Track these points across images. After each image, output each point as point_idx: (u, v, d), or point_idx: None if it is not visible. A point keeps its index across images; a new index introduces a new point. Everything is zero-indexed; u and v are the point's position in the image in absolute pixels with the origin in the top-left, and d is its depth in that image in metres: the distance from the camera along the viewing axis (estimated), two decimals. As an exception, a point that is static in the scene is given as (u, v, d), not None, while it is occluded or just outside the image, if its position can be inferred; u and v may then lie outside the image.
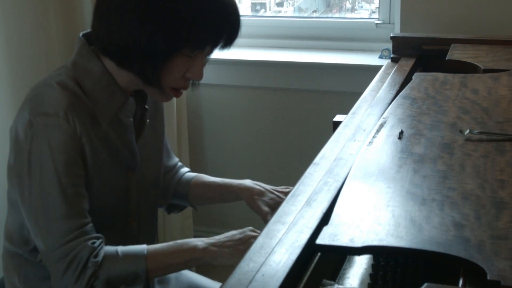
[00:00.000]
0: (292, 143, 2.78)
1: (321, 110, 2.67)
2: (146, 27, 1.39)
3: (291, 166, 2.79)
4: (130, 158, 1.55)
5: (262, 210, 1.66)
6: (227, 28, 1.45)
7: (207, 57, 1.51)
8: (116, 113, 1.50)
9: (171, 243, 1.49)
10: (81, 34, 1.53)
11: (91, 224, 1.44)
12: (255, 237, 1.41)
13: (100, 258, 1.40)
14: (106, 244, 1.46)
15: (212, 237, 1.49)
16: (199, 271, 1.88)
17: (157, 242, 1.65)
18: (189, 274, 1.81)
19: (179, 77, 1.47)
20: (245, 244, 1.46)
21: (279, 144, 2.81)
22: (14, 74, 2.50)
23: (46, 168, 1.39)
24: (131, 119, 1.54)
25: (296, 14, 3.17)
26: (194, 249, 1.46)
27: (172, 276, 1.75)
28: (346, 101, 2.57)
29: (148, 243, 1.51)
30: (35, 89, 1.48)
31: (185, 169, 1.84)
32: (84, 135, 1.43)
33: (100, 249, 1.42)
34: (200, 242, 1.47)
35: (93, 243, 1.42)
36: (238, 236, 1.49)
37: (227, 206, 2.98)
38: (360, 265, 1.17)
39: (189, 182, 1.79)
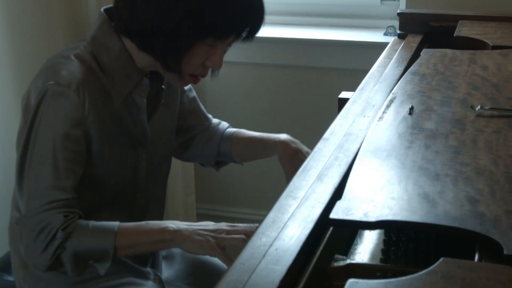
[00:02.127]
0: (297, 120, 2.77)
1: (326, 87, 2.66)
2: (172, 15, 1.38)
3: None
4: (141, 136, 1.55)
5: (288, 171, 1.66)
6: (252, 19, 1.46)
7: (228, 46, 1.50)
8: (130, 92, 1.49)
9: (143, 222, 1.48)
10: (102, 9, 1.52)
11: (74, 200, 1.43)
12: (229, 233, 1.43)
13: (69, 230, 1.40)
14: (112, 220, 1.46)
15: (186, 222, 1.47)
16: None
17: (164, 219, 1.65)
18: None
19: (199, 64, 1.47)
20: (219, 235, 1.43)
21: (284, 122, 2.80)
22: (18, 67, 2.49)
23: (45, 136, 1.39)
24: (145, 100, 1.53)
25: (300, -9, 3.15)
26: (164, 230, 1.43)
27: (178, 251, 1.75)
28: (351, 78, 2.56)
29: (154, 218, 1.50)
30: (52, 60, 1.47)
31: (225, 124, 1.84)
32: (92, 112, 1.42)
33: (72, 222, 1.41)
34: (172, 224, 1.45)
35: (66, 215, 1.41)
36: (212, 227, 1.45)
37: (230, 184, 2.98)
38: (371, 241, 1.16)
39: (230, 138, 1.79)
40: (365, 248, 1.15)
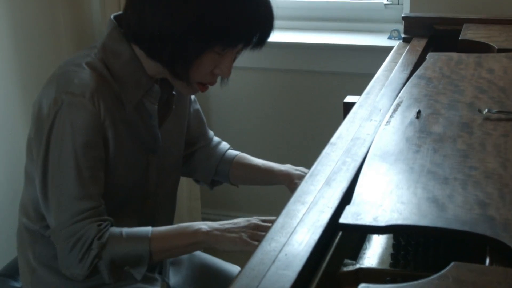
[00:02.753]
0: (302, 124, 2.77)
1: (330, 92, 2.66)
2: (180, 22, 1.38)
3: (302, 148, 2.78)
4: (152, 142, 1.55)
5: None
6: (261, 27, 1.45)
7: (237, 54, 1.50)
8: (141, 98, 1.49)
9: (175, 226, 1.50)
10: (112, 17, 1.51)
11: (102, 207, 1.44)
12: (260, 228, 1.44)
13: (104, 239, 1.41)
14: (121, 225, 1.46)
15: (217, 222, 1.48)
16: (212, 253, 1.88)
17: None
18: (202, 256, 1.80)
19: (208, 72, 1.47)
20: (250, 231, 1.45)
21: (289, 126, 2.80)
22: (22, 71, 2.50)
23: (65, 146, 1.39)
24: (156, 106, 1.53)
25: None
26: (197, 232, 1.45)
27: (185, 257, 1.75)
28: (356, 82, 2.56)
29: (164, 224, 1.50)
30: (63, 67, 1.47)
31: (226, 144, 1.84)
32: (107, 118, 1.43)
33: (105, 231, 1.42)
34: (203, 225, 1.46)
35: (99, 224, 1.42)
36: (243, 224, 1.47)
37: (235, 189, 2.98)
38: (379, 245, 1.16)
39: (231, 161, 1.79)
40: (374, 253, 1.15)
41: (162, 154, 1.59)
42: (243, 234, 1.44)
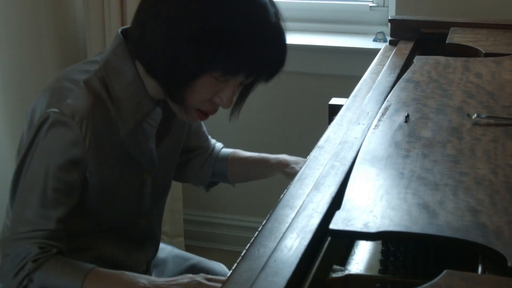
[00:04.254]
0: (287, 126, 2.76)
1: (315, 93, 2.65)
2: (177, 39, 1.31)
3: (287, 149, 2.74)
4: (148, 163, 1.51)
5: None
6: (266, 59, 1.36)
7: (250, 88, 1.45)
8: (140, 121, 1.44)
9: (119, 272, 1.39)
10: (120, 30, 1.45)
11: (58, 232, 1.38)
12: (205, 286, 1.34)
13: (39, 263, 1.34)
14: (116, 246, 1.44)
15: (164, 279, 1.40)
16: (199, 253, 1.86)
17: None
18: (186, 255, 1.78)
19: (206, 99, 1.39)
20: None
21: (274, 127, 2.79)
22: (4, 72, 2.47)
23: (39, 163, 1.36)
24: (155, 129, 1.48)
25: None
26: (136, 283, 1.35)
27: (169, 258, 1.73)
28: (341, 84, 2.55)
29: (153, 243, 1.49)
30: (61, 80, 1.42)
31: (219, 144, 1.81)
32: (93, 145, 1.37)
33: (44, 256, 1.35)
34: (144, 280, 1.36)
35: (43, 247, 1.36)
36: (186, 281, 1.36)
37: (217, 190, 2.96)
38: (368, 251, 1.15)
39: (226, 159, 1.76)
40: (362, 258, 1.14)
41: (157, 172, 1.55)
42: None
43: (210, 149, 1.78)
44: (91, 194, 1.43)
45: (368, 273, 1.07)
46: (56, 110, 1.35)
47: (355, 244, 1.16)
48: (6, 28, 2.46)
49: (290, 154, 2.69)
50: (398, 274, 1.05)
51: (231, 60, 1.33)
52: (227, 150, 1.79)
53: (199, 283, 1.35)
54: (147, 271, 1.63)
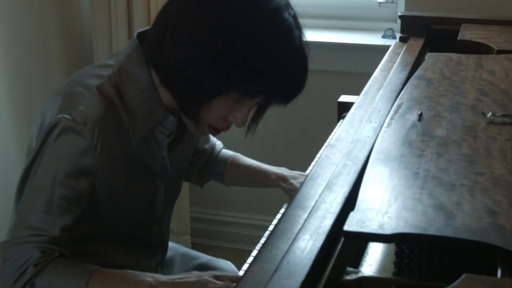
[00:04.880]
0: (296, 123, 2.74)
1: (324, 90, 2.62)
2: (198, 60, 1.26)
3: (296, 146, 2.75)
4: (160, 171, 1.47)
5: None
6: (288, 83, 1.32)
7: (260, 107, 1.41)
8: (152, 129, 1.41)
9: (122, 271, 1.37)
10: (136, 34, 1.40)
11: (59, 239, 1.35)
12: (210, 285, 1.30)
13: (40, 267, 1.31)
14: (127, 253, 1.42)
15: (168, 276, 1.37)
16: (205, 251, 1.84)
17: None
18: (193, 254, 1.76)
19: (220, 117, 1.36)
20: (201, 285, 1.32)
21: (282, 125, 2.76)
22: (10, 72, 2.45)
23: (47, 169, 1.33)
24: (168, 138, 1.45)
25: (296, -8, 3.11)
26: (142, 282, 1.32)
27: (177, 257, 1.70)
28: (349, 81, 2.53)
29: (163, 247, 1.49)
30: (73, 85, 1.38)
31: (219, 144, 1.79)
32: (104, 153, 1.34)
33: (46, 259, 1.32)
34: (150, 278, 1.33)
35: (44, 251, 1.32)
36: (194, 279, 1.33)
37: (223, 188, 2.94)
38: (381, 252, 1.13)
39: (226, 162, 1.74)
40: (375, 260, 1.12)
41: (170, 179, 1.52)
42: None
43: (211, 150, 1.76)
44: (100, 202, 1.40)
45: (381, 275, 1.05)
46: (68, 116, 1.31)
47: (368, 245, 1.14)
48: (11, 28, 2.44)
49: (299, 150, 2.69)
50: (412, 277, 1.03)
51: (252, 83, 1.29)
52: (227, 153, 1.77)
53: (207, 281, 1.32)
54: (155, 269, 1.61)
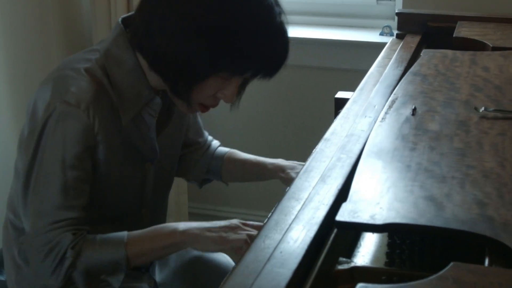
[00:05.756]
0: (293, 119, 2.75)
1: (321, 87, 2.64)
2: (189, 45, 1.32)
3: (293, 143, 2.76)
4: (149, 153, 1.51)
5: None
6: (274, 60, 1.41)
7: (244, 82, 1.46)
8: (140, 110, 1.44)
9: (151, 228, 1.43)
10: (120, 19, 1.45)
11: (83, 219, 1.39)
12: (241, 230, 1.39)
13: (78, 248, 1.35)
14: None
15: (196, 222, 1.44)
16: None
17: None
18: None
19: (210, 95, 1.42)
20: (231, 232, 1.39)
21: (280, 121, 2.78)
22: (11, 70, 2.47)
23: (54, 155, 1.35)
24: (155, 119, 1.48)
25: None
26: (174, 232, 1.39)
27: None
28: (347, 78, 2.54)
29: None
30: (62, 70, 1.42)
31: (216, 142, 1.82)
32: (101, 130, 1.38)
33: (80, 239, 1.37)
34: (181, 225, 1.41)
35: (74, 233, 1.37)
36: (223, 224, 1.42)
37: (222, 184, 2.96)
38: (374, 243, 1.15)
39: (222, 158, 1.77)
40: (368, 251, 1.13)
41: (159, 162, 1.55)
42: (223, 233, 1.39)
43: (206, 146, 1.79)
44: (97, 181, 1.43)
45: (374, 266, 1.07)
46: (61, 101, 1.34)
47: (361, 237, 1.16)
48: (11, 25, 2.46)
49: (297, 147, 2.71)
50: (404, 267, 1.05)
51: (242, 62, 1.36)
52: (224, 149, 1.80)
53: (236, 225, 1.40)
54: (151, 262, 1.63)
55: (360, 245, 1.15)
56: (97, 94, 1.37)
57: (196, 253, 1.74)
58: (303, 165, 1.57)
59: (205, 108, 1.46)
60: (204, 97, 1.42)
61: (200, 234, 1.39)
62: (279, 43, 1.40)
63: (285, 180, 1.67)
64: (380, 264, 1.08)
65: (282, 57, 1.43)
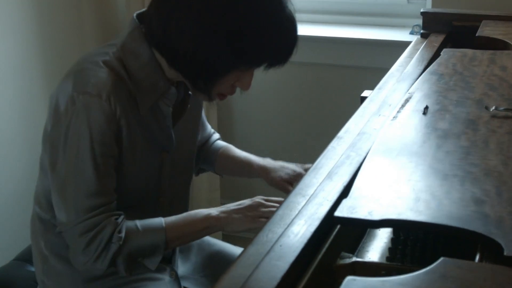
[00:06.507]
0: (321, 118, 2.78)
1: (350, 86, 2.66)
2: (209, 45, 1.38)
3: (319, 141, 2.77)
4: (166, 142, 1.57)
5: (278, 183, 1.72)
6: (287, 50, 1.47)
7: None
8: (156, 100, 1.50)
9: (183, 214, 1.54)
10: (135, 15, 1.50)
11: (115, 202, 1.46)
12: (264, 206, 1.52)
13: (123, 233, 1.43)
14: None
15: (223, 205, 1.55)
16: (237, 242, 1.91)
17: None
18: (211, 241, 1.82)
19: (229, 86, 1.49)
20: (255, 210, 1.51)
21: (307, 119, 2.81)
22: (47, 68, 2.53)
23: (83, 145, 1.40)
24: (171, 108, 1.53)
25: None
26: (208, 217, 1.51)
27: (194, 244, 1.77)
28: (376, 77, 2.54)
29: None
30: (81, 64, 1.47)
31: (216, 135, 1.87)
32: (122, 118, 1.43)
33: (122, 225, 1.44)
34: (213, 210, 1.52)
35: (116, 218, 1.44)
36: (248, 203, 1.54)
37: (255, 180, 2.99)
38: (380, 239, 1.17)
39: (217, 152, 1.83)
40: (374, 247, 1.16)
41: (176, 152, 1.60)
42: (248, 213, 1.51)
43: (207, 138, 1.85)
44: (117, 169, 1.48)
45: (376, 261, 1.09)
46: (83, 92, 1.40)
47: (368, 233, 1.19)
48: (49, 25, 2.52)
49: (323, 145, 2.71)
50: (405, 262, 1.07)
51: (260, 55, 1.43)
52: (220, 143, 1.85)
53: (259, 203, 1.53)
54: (173, 254, 1.68)
55: (367, 240, 1.17)
56: (116, 84, 1.43)
57: (216, 247, 1.79)
58: (296, 165, 1.65)
59: (223, 96, 1.53)
60: (223, 89, 1.49)
61: (229, 217, 1.51)
62: (292, 33, 1.46)
63: (270, 182, 1.75)
64: (383, 259, 1.10)
65: (293, 46, 1.48)
